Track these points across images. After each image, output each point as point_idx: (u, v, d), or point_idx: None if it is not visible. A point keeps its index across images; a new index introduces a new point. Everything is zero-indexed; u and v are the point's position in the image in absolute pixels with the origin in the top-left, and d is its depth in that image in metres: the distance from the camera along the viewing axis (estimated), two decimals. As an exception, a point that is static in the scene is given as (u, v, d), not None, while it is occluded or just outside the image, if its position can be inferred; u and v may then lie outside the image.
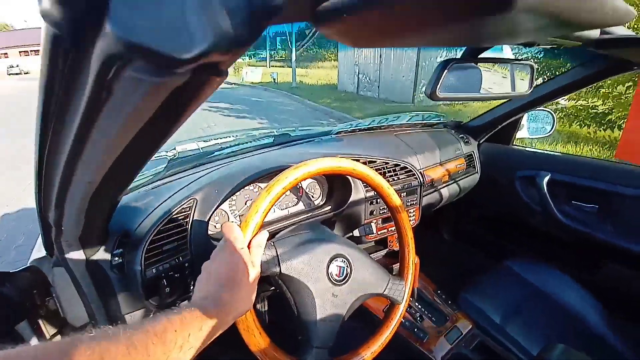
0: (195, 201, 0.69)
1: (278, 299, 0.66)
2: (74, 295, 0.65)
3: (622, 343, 0.97)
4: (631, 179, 1.15)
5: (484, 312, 1.02)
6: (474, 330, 0.96)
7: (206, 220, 0.69)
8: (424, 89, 8.20)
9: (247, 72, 14.78)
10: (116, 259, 0.64)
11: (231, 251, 0.49)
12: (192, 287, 0.68)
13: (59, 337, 0.67)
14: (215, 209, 0.70)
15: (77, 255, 0.63)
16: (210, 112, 7.67)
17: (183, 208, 0.68)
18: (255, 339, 0.53)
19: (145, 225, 0.65)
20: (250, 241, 0.54)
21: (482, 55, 0.69)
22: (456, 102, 8.62)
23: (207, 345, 0.40)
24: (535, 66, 0.75)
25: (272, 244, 0.58)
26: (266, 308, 1.41)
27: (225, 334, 0.51)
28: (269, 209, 0.57)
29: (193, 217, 0.68)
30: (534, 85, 0.75)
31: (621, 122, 4.11)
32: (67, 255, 0.60)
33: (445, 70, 0.63)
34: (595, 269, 1.33)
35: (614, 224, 1.20)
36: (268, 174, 0.78)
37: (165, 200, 0.71)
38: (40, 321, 0.63)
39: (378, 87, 9.18)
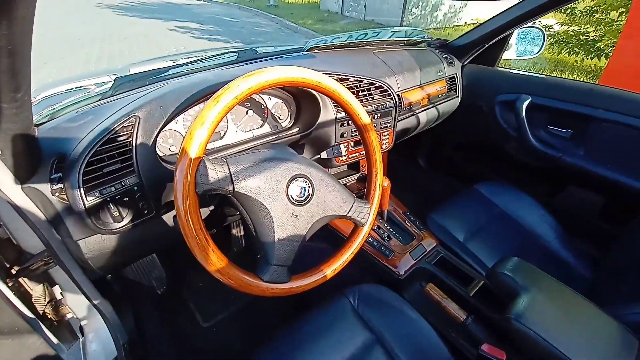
0: (138, 119, 0.61)
1: None
2: (22, 222, 0.61)
3: (575, 259, 1.04)
4: (612, 102, 1.12)
5: (448, 231, 1.07)
6: (437, 247, 1.01)
7: (152, 140, 0.62)
8: (414, 9, 7.53)
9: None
10: (56, 183, 0.59)
11: None
12: (145, 212, 0.64)
13: (16, 267, 0.64)
14: (161, 128, 0.63)
15: (8, 181, 0.57)
16: (178, 34, 6.88)
17: (123, 127, 0.60)
18: (209, 256, 0.51)
19: (81, 147, 0.58)
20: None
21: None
22: (447, 26, 8.03)
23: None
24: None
25: (225, 160, 0.53)
26: (242, 233, 1.43)
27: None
28: (217, 122, 0.50)
29: (136, 137, 0.61)
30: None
31: (609, 50, 4.03)
32: None
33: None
34: (560, 192, 1.39)
35: (586, 148, 1.21)
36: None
37: (105, 120, 0.63)
38: None
39: (365, 6, 8.34)
